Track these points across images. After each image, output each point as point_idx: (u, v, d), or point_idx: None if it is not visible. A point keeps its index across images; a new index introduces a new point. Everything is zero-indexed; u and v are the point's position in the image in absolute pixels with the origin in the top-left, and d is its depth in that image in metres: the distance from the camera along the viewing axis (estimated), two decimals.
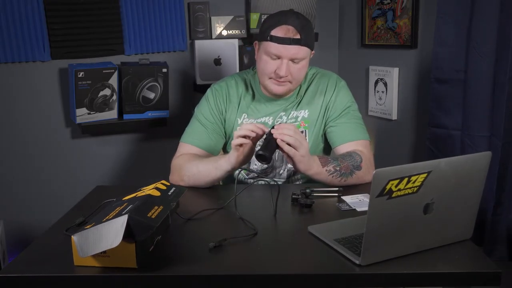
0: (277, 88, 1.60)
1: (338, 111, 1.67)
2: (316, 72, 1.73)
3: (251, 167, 1.71)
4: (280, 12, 1.62)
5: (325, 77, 1.71)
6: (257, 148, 1.46)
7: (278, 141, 1.39)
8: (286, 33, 1.53)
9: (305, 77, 1.72)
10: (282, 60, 1.54)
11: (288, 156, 1.42)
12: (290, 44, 1.52)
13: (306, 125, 1.68)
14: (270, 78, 1.59)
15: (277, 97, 1.67)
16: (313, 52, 1.63)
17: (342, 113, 1.66)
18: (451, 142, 2.02)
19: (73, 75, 2.15)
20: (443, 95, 2.02)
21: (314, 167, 1.48)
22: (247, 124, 1.45)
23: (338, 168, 1.50)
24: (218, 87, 1.72)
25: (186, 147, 1.67)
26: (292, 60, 1.55)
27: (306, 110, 1.68)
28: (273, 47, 1.54)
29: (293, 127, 1.41)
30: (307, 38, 1.55)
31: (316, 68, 1.76)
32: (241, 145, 1.44)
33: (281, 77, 1.56)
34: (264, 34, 1.57)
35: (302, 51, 1.55)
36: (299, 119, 1.68)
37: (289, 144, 1.39)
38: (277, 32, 1.53)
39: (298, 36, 1.53)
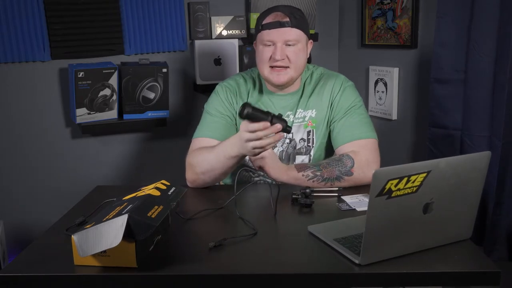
0: (277, 78, 1.61)
1: (342, 111, 1.66)
2: (324, 73, 1.75)
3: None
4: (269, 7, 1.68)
5: (332, 78, 1.72)
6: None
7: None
8: (275, 17, 1.59)
9: (311, 76, 1.73)
10: (276, 44, 1.58)
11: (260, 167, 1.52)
12: (280, 27, 1.57)
13: (314, 124, 1.69)
14: (269, 67, 1.61)
15: (281, 88, 1.67)
16: (311, 41, 1.67)
17: (345, 113, 1.66)
18: (451, 142, 2.02)
19: (73, 75, 2.15)
20: (443, 95, 2.02)
21: (288, 173, 1.49)
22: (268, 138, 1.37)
23: (318, 173, 1.50)
24: (227, 84, 1.74)
25: (199, 141, 1.63)
26: (286, 43, 1.58)
27: (314, 110, 1.69)
28: (265, 33, 1.60)
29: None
30: (297, 22, 1.59)
31: (323, 68, 1.77)
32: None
33: (277, 61, 1.58)
34: (257, 28, 1.64)
35: (294, 33, 1.59)
36: (306, 118, 1.69)
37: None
38: (267, 20, 1.60)
39: (287, 19, 1.58)
